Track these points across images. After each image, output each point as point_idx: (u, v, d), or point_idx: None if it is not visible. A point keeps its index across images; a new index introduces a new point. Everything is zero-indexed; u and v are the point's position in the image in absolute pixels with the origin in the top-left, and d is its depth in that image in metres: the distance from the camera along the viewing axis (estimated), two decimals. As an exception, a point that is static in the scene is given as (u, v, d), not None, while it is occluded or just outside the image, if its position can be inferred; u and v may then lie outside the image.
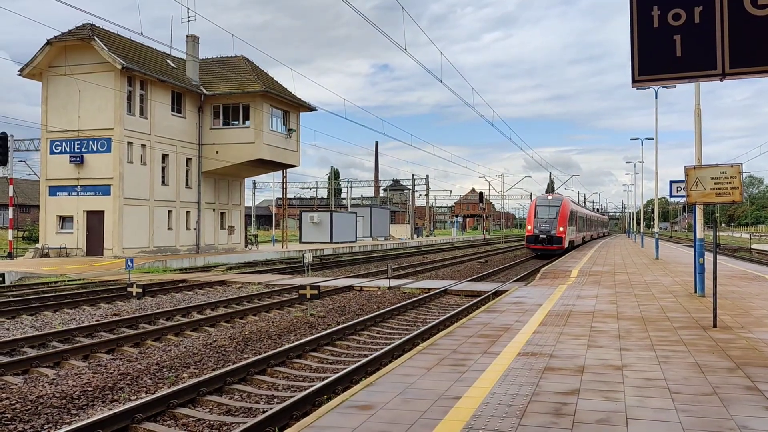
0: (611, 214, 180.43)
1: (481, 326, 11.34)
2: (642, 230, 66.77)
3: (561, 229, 40.92)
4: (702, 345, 9.58)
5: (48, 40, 34.26)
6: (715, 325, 11.18)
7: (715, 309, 11.33)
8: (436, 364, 8.28)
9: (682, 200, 25.84)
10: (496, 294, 18.78)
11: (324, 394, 8.27)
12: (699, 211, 15.63)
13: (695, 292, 16.43)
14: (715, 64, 5.01)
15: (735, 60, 4.97)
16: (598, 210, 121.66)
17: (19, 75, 35.23)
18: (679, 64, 5.09)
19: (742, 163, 11.64)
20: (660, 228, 59.37)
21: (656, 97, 38.71)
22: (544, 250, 41.03)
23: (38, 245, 35.66)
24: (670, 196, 20.87)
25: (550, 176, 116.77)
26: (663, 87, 32.50)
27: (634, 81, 5.29)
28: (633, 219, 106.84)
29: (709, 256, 16.60)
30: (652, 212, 55.29)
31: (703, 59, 5.02)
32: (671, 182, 19.77)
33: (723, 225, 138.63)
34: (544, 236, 40.89)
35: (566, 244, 41.98)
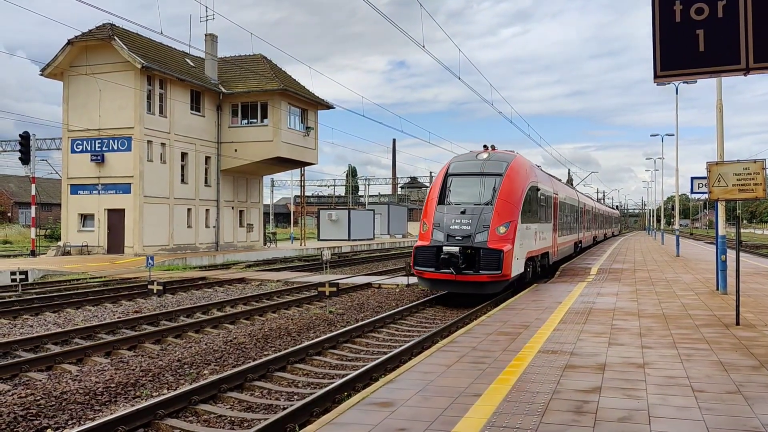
0: (631, 210, 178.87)
1: (501, 324, 11.30)
2: (662, 227, 66.08)
3: (501, 230, 16.54)
4: (725, 343, 9.48)
5: (69, 40, 34.62)
6: (738, 323, 11.06)
7: (738, 306, 11.20)
8: (455, 362, 8.27)
9: (704, 197, 25.54)
10: (515, 292, 18.70)
11: (344, 391, 8.29)
12: (721, 208, 15.45)
13: (717, 289, 16.25)
14: (739, 59, 4.96)
15: (759, 54, 4.91)
16: (600, 201, 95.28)
17: (41, 75, 35.64)
18: (702, 59, 5.04)
19: (765, 159, 11.51)
20: (680, 225, 58.30)
21: (677, 93, 38.16)
22: (455, 285, 16.59)
23: (60, 243, 36.09)
24: (692, 192, 20.66)
25: (569, 173, 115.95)
26: (684, 82, 32.15)
27: (656, 76, 5.25)
28: (653, 216, 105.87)
29: (731, 253, 16.42)
30: (673, 209, 54.74)
31: (726, 54, 4.97)
32: (692, 178, 19.55)
33: (745, 222, 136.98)
34: (456, 250, 16.19)
35: (513, 270, 16.60)
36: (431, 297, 17.82)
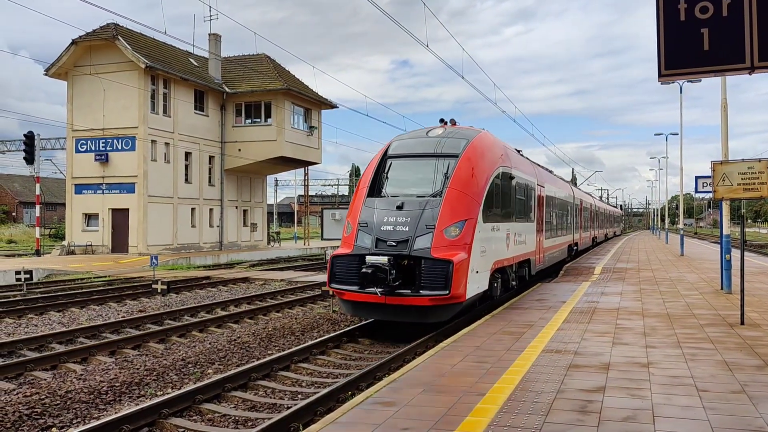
0: (635, 210, 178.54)
1: (505, 323, 11.29)
2: (666, 227, 65.96)
3: (453, 232, 11.79)
4: (729, 342, 9.45)
5: (73, 40, 34.69)
6: (742, 323, 11.03)
7: (742, 306, 11.17)
8: (459, 361, 8.26)
9: (708, 196, 25.51)
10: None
11: (348, 390, 8.30)
12: (725, 207, 15.42)
13: (721, 288, 16.21)
14: (744, 58, 4.94)
15: (764, 53, 4.89)
16: (602, 198, 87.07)
17: (45, 75, 35.73)
18: (707, 58, 5.02)
19: (770, 158, 11.47)
20: (685, 224, 58.11)
21: (681, 92, 38.02)
22: (385, 310, 11.75)
23: (65, 243, 36.18)
24: (696, 191, 20.64)
25: (573, 172, 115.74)
26: (688, 81, 32.07)
27: (660, 75, 5.23)
28: (657, 215, 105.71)
29: (735, 253, 16.38)
30: (677, 208, 54.65)
31: (731, 53, 4.95)
32: (697, 178, 19.53)
33: (749, 221, 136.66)
34: (383, 261, 11.38)
35: (470, 289, 11.87)
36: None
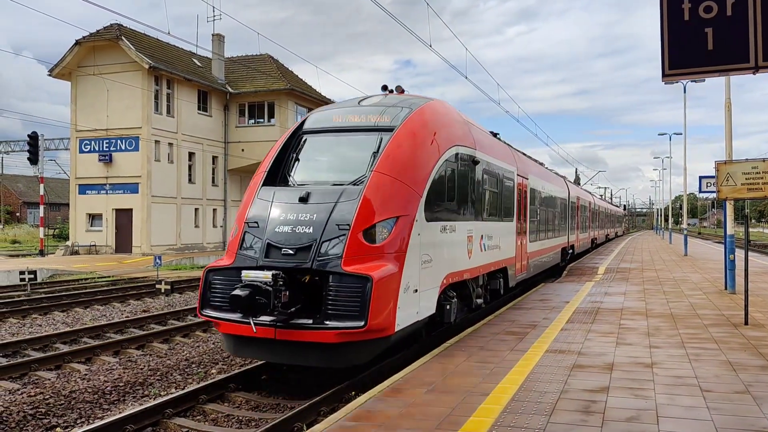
0: (639, 210, 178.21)
1: (508, 323, 11.28)
2: (670, 227, 65.87)
3: (379, 235, 8.38)
4: (733, 342, 9.43)
5: (77, 41, 34.77)
6: (746, 323, 11.00)
7: (746, 306, 11.14)
8: (463, 361, 8.26)
9: (712, 196, 25.44)
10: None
11: (352, 390, 8.29)
12: (729, 207, 15.39)
13: (725, 289, 16.18)
14: (748, 57, 4.93)
15: (769, 52, 4.88)
16: (602, 196, 78.91)
17: (49, 75, 35.81)
18: (711, 58, 5.02)
19: (774, 158, 11.45)
20: (688, 224, 57.87)
21: (685, 92, 37.97)
22: (276, 349, 8.18)
23: (68, 243, 36.25)
24: (700, 191, 20.59)
25: (576, 172, 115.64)
26: (692, 81, 32.02)
27: (664, 75, 5.22)
28: (661, 215, 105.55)
29: (739, 253, 16.35)
30: (681, 208, 54.51)
31: (735, 52, 4.94)
32: (701, 177, 19.47)
33: (753, 221, 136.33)
34: (267, 279, 7.81)
35: (401, 317, 8.25)
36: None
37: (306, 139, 10.00)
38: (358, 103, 10.56)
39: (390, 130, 9.36)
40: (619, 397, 6.54)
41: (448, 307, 10.09)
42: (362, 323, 7.64)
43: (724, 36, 4.95)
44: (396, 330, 8.16)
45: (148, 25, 19.54)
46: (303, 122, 10.38)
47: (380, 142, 9.23)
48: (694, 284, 18.18)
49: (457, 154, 10.49)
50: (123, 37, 34.10)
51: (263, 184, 9.27)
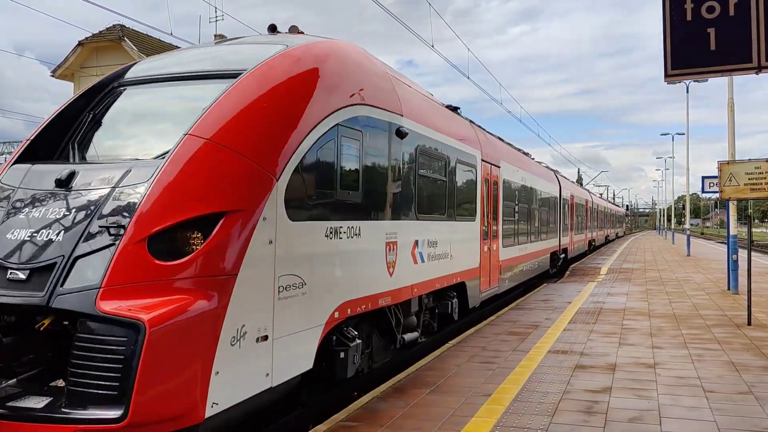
0: (641, 210, 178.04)
1: (510, 324, 11.28)
2: (673, 227, 65.78)
3: (180, 248, 4.80)
4: (736, 343, 9.42)
5: (79, 42, 34.82)
6: (749, 323, 10.99)
7: (749, 306, 11.13)
8: (466, 361, 8.26)
9: (715, 196, 25.41)
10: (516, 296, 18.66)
11: (354, 390, 8.29)
12: (732, 207, 15.39)
13: (728, 289, 16.17)
14: (751, 57, 4.93)
15: (771, 52, 4.88)
16: (602, 195, 72.91)
17: (52, 76, 35.87)
18: (714, 58, 5.02)
19: (777, 158, 11.44)
20: (691, 224, 57.66)
21: (687, 92, 37.86)
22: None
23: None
24: (702, 191, 20.59)
25: (579, 172, 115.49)
26: (695, 81, 31.98)
27: (666, 75, 5.22)
28: (663, 215, 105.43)
29: (742, 253, 16.33)
30: (683, 208, 54.46)
31: (738, 52, 4.94)
32: (704, 178, 19.46)
33: (756, 221, 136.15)
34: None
35: (221, 396, 4.73)
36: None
37: (118, 94, 6.63)
38: (216, 43, 8.05)
39: (234, 76, 5.98)
40: (622, 397, 6.54)
41: (342, 355, 6.66)
42: (119, 413, 4.30)
43: (726, 36, 4.96)
44: (210, 414, 4.70)
45: (150, 26, 19.62)
46: (126, 69, 7.03)
47: (215, 95, 5.73)
48: (696, 285, 18.17)
49: (361, 117, 7.06)
50: (125, 38, 34.15)
51: (16, 161, 5.95)
